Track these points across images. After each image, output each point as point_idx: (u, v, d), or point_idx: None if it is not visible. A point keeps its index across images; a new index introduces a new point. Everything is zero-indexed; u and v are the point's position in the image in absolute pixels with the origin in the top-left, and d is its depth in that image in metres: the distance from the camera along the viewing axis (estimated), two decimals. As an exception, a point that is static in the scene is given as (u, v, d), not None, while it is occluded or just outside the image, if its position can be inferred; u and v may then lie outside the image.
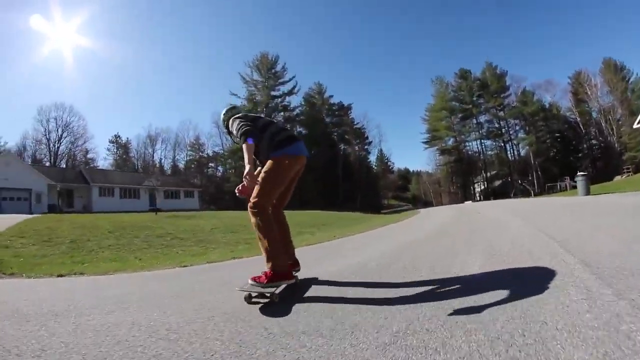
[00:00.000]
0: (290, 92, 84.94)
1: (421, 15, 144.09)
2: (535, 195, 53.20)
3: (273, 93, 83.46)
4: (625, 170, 54.12)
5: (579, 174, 20.56)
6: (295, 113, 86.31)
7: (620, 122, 70.78)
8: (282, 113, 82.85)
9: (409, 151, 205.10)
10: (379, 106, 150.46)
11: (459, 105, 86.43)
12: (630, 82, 73.28)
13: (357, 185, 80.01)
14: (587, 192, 19.48)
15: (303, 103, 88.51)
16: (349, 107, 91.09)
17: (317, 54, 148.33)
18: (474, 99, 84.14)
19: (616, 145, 70.48)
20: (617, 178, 48.33)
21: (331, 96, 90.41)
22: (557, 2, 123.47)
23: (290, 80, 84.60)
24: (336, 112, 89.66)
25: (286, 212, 4.02)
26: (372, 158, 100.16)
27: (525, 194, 61.39)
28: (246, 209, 3.52)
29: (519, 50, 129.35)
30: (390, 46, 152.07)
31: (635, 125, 38.80)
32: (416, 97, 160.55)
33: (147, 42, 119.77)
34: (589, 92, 75.82)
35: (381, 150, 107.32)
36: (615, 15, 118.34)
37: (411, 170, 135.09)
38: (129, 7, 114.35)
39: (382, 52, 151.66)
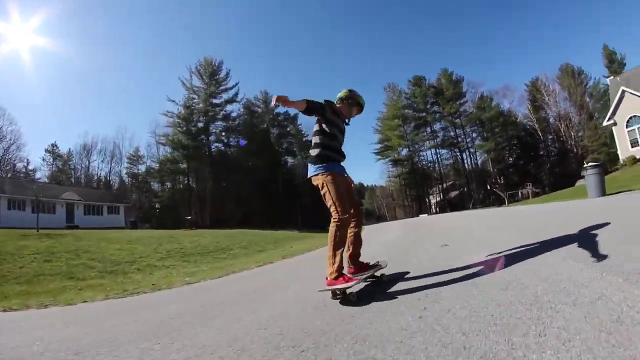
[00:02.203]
0: (232, 100, 78.66)
1: (375, 24, 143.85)
2: (507, 203, 48.61)
3: (214, 101, 76.27)
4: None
5: (589, 164, 15.36)
6: (236, 123, 78.91)
7: (579, 127, 71.86)
8: (222, 123, 77.11)
9: (362, 165, 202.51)
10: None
11: (413, 113, 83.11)
12: (588, 86, 74.54)
13: (303, 201, 74.02)
14: (603, 192, 14.54)
15: (243, 111, 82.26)
16: (296, 117, 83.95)
17: (265, 62, 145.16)
18: (429, 106, 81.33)
19: (575, 149, 70.48)
20: (581, 181, 44.93)
21: (277, 105, 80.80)
22: (515, 7, 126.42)
23: (233, 87, 78.61)
24: (282, 123, 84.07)
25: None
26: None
27: (499, 201, 57.38)
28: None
29: (476, 56, 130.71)
30: (342, 55, 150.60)
31: (605, 123, 39.72)
32: (369, 107, 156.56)
33: (81, 43, 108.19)
34: (546, 98, 76.41)
35: None
36: (573, 20, 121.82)
37: (365, 184, 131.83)
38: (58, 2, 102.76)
39: (334, 62, 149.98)
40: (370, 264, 4.36)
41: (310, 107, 3.88)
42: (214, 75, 76.17)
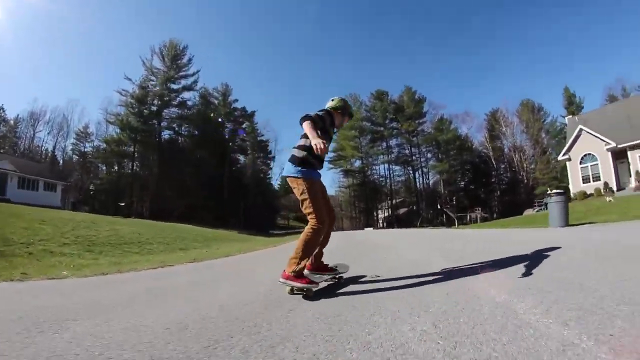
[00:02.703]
0: (190, 88, 73.92)
1: (345, 36, 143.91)
2: (457, 224, 48.52)
3: (172, 85, 71.56)
4: (537, 204, 54.10)
5: (553, 191, 14.33)
6: (191, 112, 73.74)
7: (532, 159, 75.93)
8: (176, 109, 72.47)
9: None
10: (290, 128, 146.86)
11: (371, 126, 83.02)
12: (545, 123, 79.13)
13: (250, 201, 71.93)
14: (566, 222, 13.42)
15: (199, 100, 76.59)
16: (252, 114, 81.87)
17: (230, 56, 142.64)
18: (387, 121, 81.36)
19: (526, 180, 74.65)
20: (529, 211, 49.42)
21: (236, 100, 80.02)
22: (487, 40, 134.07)
23: (193, 74, 73.81)
24: (238, 119, 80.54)
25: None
26: (275, 173, 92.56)
27: (449, 222, 57.73)
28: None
29: (443, 80, 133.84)
30: (311, 63, 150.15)
31: (560, 158, 41.88)
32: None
33: None
34: (504, 129, 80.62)
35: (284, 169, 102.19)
36: (538, 60, 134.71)
37: None
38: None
39: (301, 69, 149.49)
40: (329, 266, 4.54)
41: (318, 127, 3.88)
42: (176, 59, 71.82)
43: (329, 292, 3.92)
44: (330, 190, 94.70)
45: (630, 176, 34.43)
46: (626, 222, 12.68)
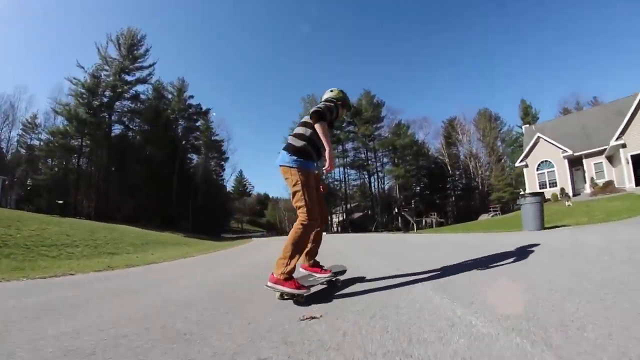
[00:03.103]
0: (145, 80, 67.61)
1: (303, 36, 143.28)
2: (415, 229, 48.06)
3: (126, 77, 64.96)
4: (492, 209, 57.57)
5: (527, 192, 13.50)
6: (144, 107, 67.42)
7: (487, 167, 79.41)
8: (129, 103, 66.15)
9: (270, 177, 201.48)
10: (245, 129, 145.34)
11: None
12: (501, 131, 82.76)
13: (200, 202, 68.03)
14: (541, 225, 12.40)
15: (153, 93, 70.06)
16: (207, 112, 79.00)
17: (190, 52, 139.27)
18: (344, 124, 79.61)
19: (481, 187, 77.62)
20: (484, 216, 51.69)
21: (191, 97, 75.56)
22: (448, 49, 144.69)
23: (149, 66, 67.59)
24: (192, 116, 76.44)
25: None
26: (230, 176, 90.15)
27: (406, 227, 57.03)
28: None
29: (400, 84, 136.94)
30: (270, 63, 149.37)
31: (517, 164, 43.37)
32: (288, 116, 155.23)
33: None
34: (460, 137, 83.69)
35: (241, 171, 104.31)
36: (498, 73, 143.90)
37: (271, 196, 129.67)
38: None
39: (260, 70, 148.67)
40: (325, 267, 4.28)
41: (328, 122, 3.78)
42: (133, 49, 66.06)
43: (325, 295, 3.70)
44: (284, 194, 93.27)
45: (585, 182, 36.58)
46: (601, 225, 12.30)
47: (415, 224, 52.55)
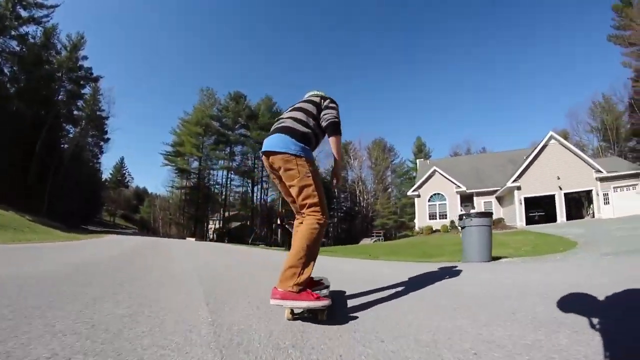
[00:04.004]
0: (38, 21, 52.01)
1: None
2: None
3: (21, 10, 49.85)
4: (375, 234, 57.43)
5: (472, 211, 10.60)
6: (27, 53, 50.62)
7: (374, 194, 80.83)
8: (14, 42, 50.04)
9: (152, 170, 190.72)
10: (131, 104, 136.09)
11: (219, 126, 76.12)
12: (393, 162, 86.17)
13: (62, 183, 53.24)
14: (489, 255, 9.01)
15: (41, 37, 53.08)
16: (97, 79, 62.13)
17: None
18: (237, 126, 75.89)
19: (365, 212, 78.69)
20: (366, 240, 51.88)
21: (85, 57, 59.30)
22: (357, 70, 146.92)
23: (51, 7, 52.43)
24: (80, 81, 59.93)
25: None
26: (107, 159, 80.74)
27: (286, 244, 52.75)
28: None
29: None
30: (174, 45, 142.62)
31: (409, 193, 44.47)
32: (179, 105, 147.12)
33: None
34: (352, 162, 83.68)
35: (122, 159, 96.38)
36: (400, 107, 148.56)
37: (150, 191, 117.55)
38: None
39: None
40: (315, 279, 3.44)
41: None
42: None
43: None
44: (163, 190, 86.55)
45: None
46: (546, 258, 9.48)
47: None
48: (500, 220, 34.52)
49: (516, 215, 33.48)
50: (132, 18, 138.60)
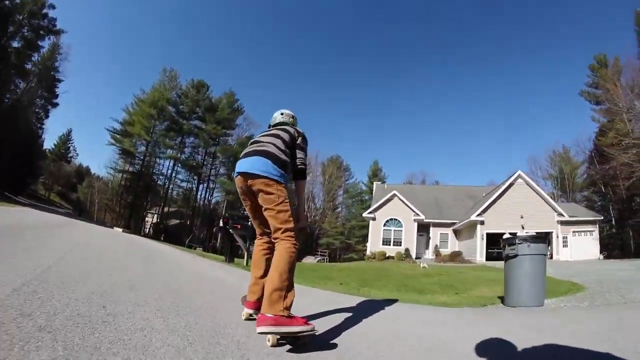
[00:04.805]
0: None
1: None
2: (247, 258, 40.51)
3: None
4: (320, 253, 56.53)
5: (525, 233, 7.32)
6: None
7: (322, 211, 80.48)
8: None
9: (98, 150, 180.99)
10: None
11: (174, 112, 70.39)
12: (347, 182, 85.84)
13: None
14: (543, 295, 6.42)
15: None
16: (59, 32, 53.73)
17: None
18: (194, 116, 71.17)
19: (309, 229, 72.39)
20: (309, 259, 49.61)
21: (52, 6, 50.62)
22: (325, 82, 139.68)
23: None
24: (41, 30, 51.03)
25: None
26: (53, 126, 72.94)
27: (229, 253, 48.14)
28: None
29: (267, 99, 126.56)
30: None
31: (365, 215, 42.77)
32: (135, 82, 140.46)
33: None
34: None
35: (70, 131, 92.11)
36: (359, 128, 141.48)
37: (93, 172, 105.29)
38: None
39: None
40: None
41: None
42: None
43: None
44: (101, 169, 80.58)
45: (428, 248, 39.26)
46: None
47: (246, 252, 45.52)
48: (458, 253, 34.37)
49: (477, 250, 32.90)
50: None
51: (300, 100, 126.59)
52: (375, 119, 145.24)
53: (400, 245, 37.83)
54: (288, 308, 2.68)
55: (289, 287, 2.77)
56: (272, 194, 2.98)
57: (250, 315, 3.30)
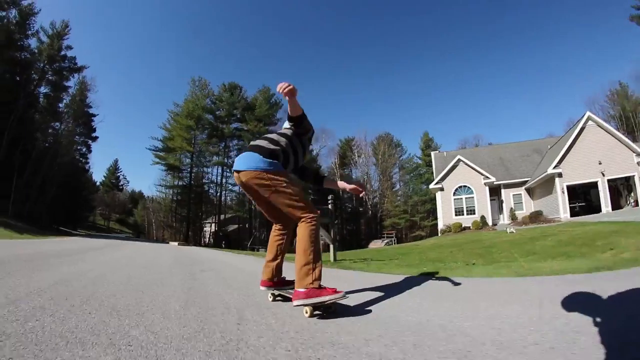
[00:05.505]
0: (17, 3, 43.62)
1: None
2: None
3: None
4: (387, 235, 53.89)
5: None
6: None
7: (381, 192, 76.32)
8: None
9: (147, 173, 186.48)
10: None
11: (212, 119, 69.90)
12: (400, 158, 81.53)
13: (43, 181, 45.51)
14: None
15: (16, 17, 43.98)
16: (81, 69, 54.29)
17: None
18: (232, 119, 70.29)
19: (371, 212, 74.71)
20: (376, 242, 46.59)
21: (69, 47, 51.66)
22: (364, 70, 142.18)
23: None
24: (64, 71, 52.13)
25: None
26: (96, 158, 75.13)
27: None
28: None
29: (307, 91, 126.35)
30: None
31: (432, 186, 40.06)
32: (169, 97, 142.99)
33: None
34: (357, 159, 79.86)
35: (117, 161, 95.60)
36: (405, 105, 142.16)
37: (145, 195, 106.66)
38: None
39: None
40: (287, 279, 3.63)
41: (304, 122, 3.34)
42: None
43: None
44: (152, 190, 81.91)
45: (502, 212, 36.44)
46: None
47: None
48: (539, 212, 30.52)
49: (559, 206, 29.24)
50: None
51: (337, 81, 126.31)
52: (420, 87, 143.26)
53: (474, 213, 35.64)
54: (318, 279, 2.77)
55: (316, 259, 2.83)
56: (263, 185, 3.01)
57: (272, 294, 3.43)
